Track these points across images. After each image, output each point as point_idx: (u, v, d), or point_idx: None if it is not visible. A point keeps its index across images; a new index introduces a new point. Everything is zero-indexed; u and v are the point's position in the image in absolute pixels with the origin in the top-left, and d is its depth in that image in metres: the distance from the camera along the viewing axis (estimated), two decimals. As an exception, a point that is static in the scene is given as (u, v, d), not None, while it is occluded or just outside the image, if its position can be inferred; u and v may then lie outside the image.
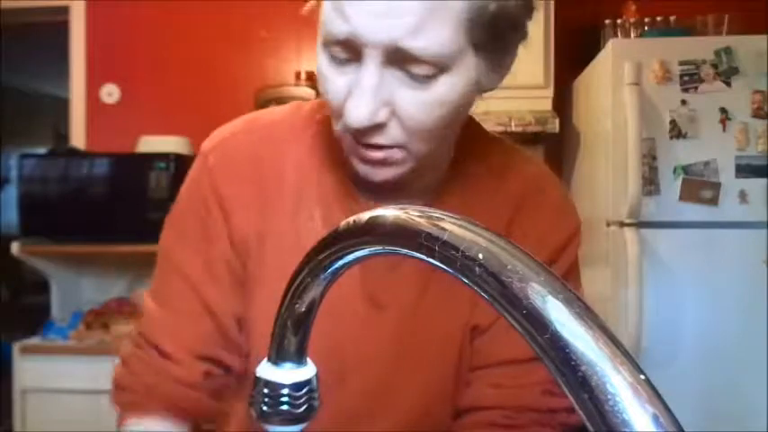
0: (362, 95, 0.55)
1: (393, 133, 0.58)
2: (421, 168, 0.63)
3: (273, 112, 0.74)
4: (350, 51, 0.55)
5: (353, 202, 0.68)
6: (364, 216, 0.32)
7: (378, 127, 0.57)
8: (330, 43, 0.56)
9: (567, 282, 0.73)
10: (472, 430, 0.70)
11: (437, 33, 0.53)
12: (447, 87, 0.56)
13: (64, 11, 2.96)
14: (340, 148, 0.66)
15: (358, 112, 0.55)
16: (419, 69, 0.54)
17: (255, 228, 0.69)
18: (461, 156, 0.71)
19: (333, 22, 0.55)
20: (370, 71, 0.54)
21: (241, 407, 0.77)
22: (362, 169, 0.62)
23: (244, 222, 0.68)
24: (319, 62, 0.59)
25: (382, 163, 0.60)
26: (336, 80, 0.57)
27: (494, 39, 0.56)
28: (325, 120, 0.70)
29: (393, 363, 0.70)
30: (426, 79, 0.55)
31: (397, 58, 0.54)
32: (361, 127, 0.56)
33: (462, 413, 0.72)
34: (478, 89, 0.60)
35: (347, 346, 0.69)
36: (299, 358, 0.40)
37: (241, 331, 0.71)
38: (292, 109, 0.74)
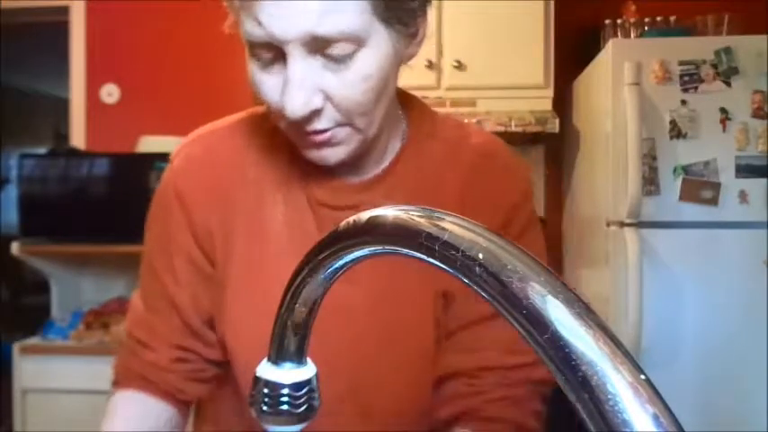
0: (293, 88, 0.60)
1: (331, 115, 0.63)
2: (369, 141, 0.68)
3: (233, 116, 0.80)
4: (273, 51, 0.60)
5: (309, 182, 0.72)
6: (364, 216, 0.32)
7: (315, 113, 0.62)
8: (254, 49, 0.61)
9: (523, 238, 0.74)
10: (443, 406, 0.72)
11: (343, 14, 0.58)
12: (366, 62, 0.61)
13: (64, 11, 2.96)
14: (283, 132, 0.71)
15: (293, 104, 0.60)
16: (338, 50, 0.59)
17: (219, 223, 0.73)
18: (415, 133, 0.75)
19: (251, 30, 0.60)
20: (295, 64, 0.59)
21: (225, 403, 0.80)
22: (315, 156, 0.66)
23: (205, 217, 0.73)
24: (249, 68, 0.64)
25: (329, 143, 0.65)
26: (267, 81, 0.63)
27: (398, 11, 0.61)
28: None
29: (373, 338, 0.71)
30: (346, 59, 0.60)
31: (316, 45, 0.59)
32: (299, 117, 0.61)
33: (434, 387, 0.74)
34: (398, 59, 0.65)
35: (326, 327, 0.69)
36: (299, 358, 0.40)
37: (207, 323, 0.76)
38: (249, 111, 0.80)
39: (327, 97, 0.61)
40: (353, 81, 0.61)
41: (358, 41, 0.59)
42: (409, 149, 0.74)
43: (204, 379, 0.77)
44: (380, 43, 0.61)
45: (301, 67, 0.59)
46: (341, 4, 0.57)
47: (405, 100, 0.77)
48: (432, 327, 0.72)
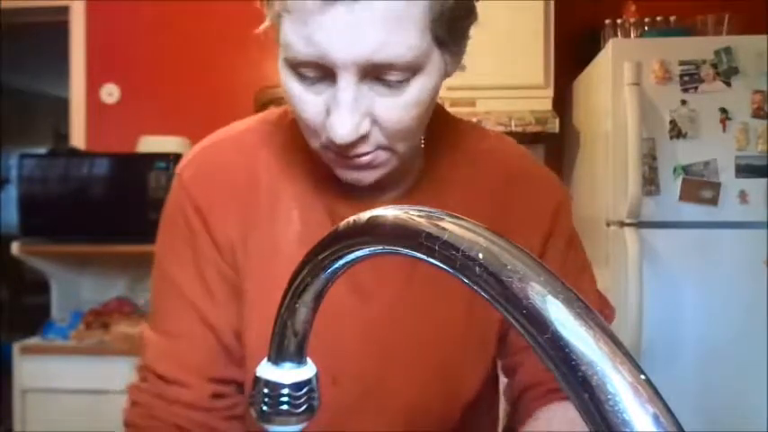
0: (343, 112, 0.55)
1: (375, 140, 0.59)
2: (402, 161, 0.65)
3: (242, 122, 0.75)
4: (320, 71, 0.56)
5: (332, 198, 0.69)
6: (364, 216, 0.32)
7: (362, 138, 0.58)
8: (297, 66, 0.56)
9: (570, 252, 0.72)
10: (535, 403, 0.72)
11: (404, 41, 0.54)
12: (420, 88, 0.57)
13: (64, 11, 2.96)
14: (313, 149, 0.67)
15: (342, 130, 0.55)
16: (393, 76, 0.55)
17: (237, 235, 0.69)
18: (435, 143, 0.72)
19: (297, 45, 0.54)
20: (347, 88, 0.55)
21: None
22: (351, 177, 0.63)
23: (225, 230, 0.69)
24: (287, 83, 0.58)
25: (369, 166, 0.61)
26: (310, 101, 0.58)
27: (454, 31, 0.58)
28: (295, 122, 0.71)
29: (384, 355, 0.70)
30: (400, 84, 0.56)
31: (370, 71, 0.55)
32: (347, 142, 0.56)
33: (521, 392, 0.74)
34: (444, 78, 0.63)
35: (336, 340, 0.68)
36: (299, 358, 0.40)
37: (237, 339, 0.70)
38: (260, 118, 0.75)
39: (375, 121, 0.58)
40: (405, 107, 0.57)
41: (415, 69, 0.56)
42: (432, 164, 0.72)
43: (238, 415, 0.71)
44: (436, 67, 0.58)
45: (353, 90, 0.55)
46: (403, 31, 0.53)
47: None
48: (455, 342, 0.71)
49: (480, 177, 0.72)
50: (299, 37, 0.54)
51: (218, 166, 0.70)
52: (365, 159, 0.60)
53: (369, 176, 0.63)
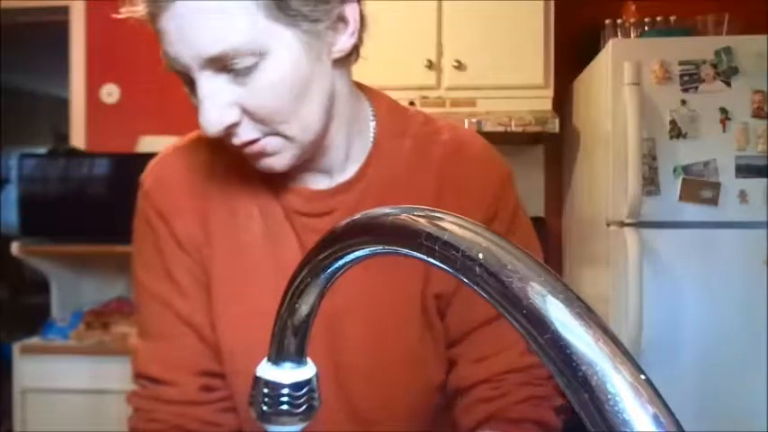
0: (204, 107, 0.60)
1: (252, 126, 0.62)
2: (322, 146, 0.68)
3: (195, 132, 0.78)
4: (186, 74, 0.61)
5: (283, 190, 0.71)
6: (364, 216, 0.32)
7: (233, 127, 0.61)
8: (179, 75, 0.62)
9: (514, 234, 0.74)
10: (467, 414, 0.71)
11: (233, 33, 0.57)
12: (272, 70, 0.60)
13: (64, 11, 2.95)
14: None
15: (206, 122, 0.60)
16: (238, 64, 0.58)
17: (201, 234, 0.72)
18: (384, 132, 0.73)
19: (165, 58, 0.61)
20: (202, 83, 0.59)
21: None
22: (263, 165, 0.66)
23: (189, 231, 0.71)
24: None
25: (265, 154, 0.64)
26: (194, 102, 0.62)
27: (298, 10, 0.59)
28: None
29: (358, 342, 0.71)
30: (249, 71, 0.59)
31: (216, 64, 0.58)
32: (215, 133, 0.61)
33: (456, 396, 0.73)
34: (322, 56, 0.63)
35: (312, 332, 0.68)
36: (299, 358, 0.40)
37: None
38: None
39: (243, 110, 0.61)
40: (261, 91, 0.60)
41: (255, 53, 0.58)
42: (379, 150, 0.73)
43: (234, 408, 0.73)
44: (286, 47, 0.60)
45: (209, 84, 0.59)
46: (226, 21, 0.57)
47: (373, 98, 0.75)
48: (417, 327, 0.71)
49: (425, 159, 0.73)
50: (163, 49, 0.60)
51: (175, 172, 0.74)
52: (256, 148, 0.63)
53: (275, 163, 0.65)
